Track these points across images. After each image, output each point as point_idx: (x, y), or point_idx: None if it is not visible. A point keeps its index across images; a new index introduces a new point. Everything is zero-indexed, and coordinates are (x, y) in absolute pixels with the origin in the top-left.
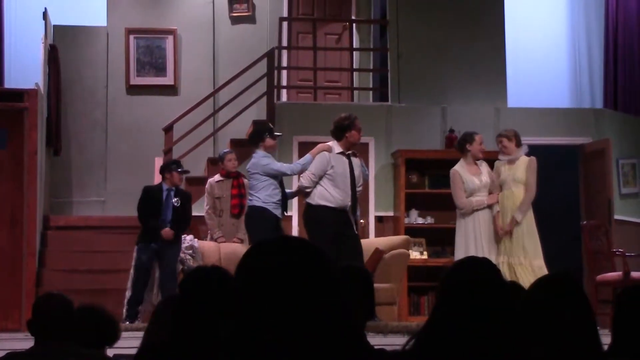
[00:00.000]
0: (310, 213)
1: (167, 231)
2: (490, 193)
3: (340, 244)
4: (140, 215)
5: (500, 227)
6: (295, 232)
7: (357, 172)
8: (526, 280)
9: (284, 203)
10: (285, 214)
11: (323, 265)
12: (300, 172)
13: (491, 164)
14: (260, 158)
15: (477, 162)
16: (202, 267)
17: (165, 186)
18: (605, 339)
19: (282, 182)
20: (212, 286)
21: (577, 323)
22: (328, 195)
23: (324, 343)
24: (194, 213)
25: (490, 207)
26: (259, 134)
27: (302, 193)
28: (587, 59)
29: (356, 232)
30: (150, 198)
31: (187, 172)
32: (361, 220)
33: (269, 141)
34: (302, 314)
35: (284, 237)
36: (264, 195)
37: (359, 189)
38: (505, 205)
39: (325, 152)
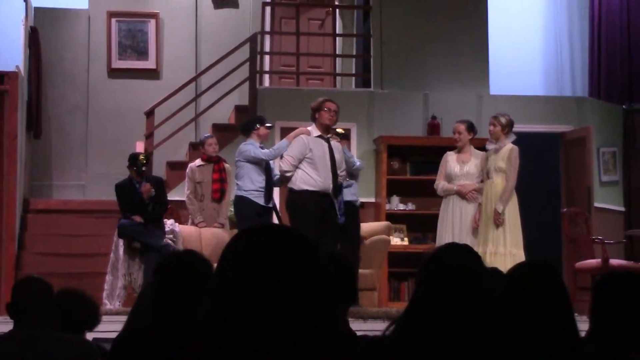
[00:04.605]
0: (294, 198)
1: (137, 218)
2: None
3: (323, 229)
4: (125, 213)
5: (475, 220)
6: (275, 219)
7: (337, 156)
8: (506, 269)
9: (268, 190)
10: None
11: (307, 253)
12: (275, 157)
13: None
14: (242, 146)
15: (475, 151)
16: (176, 252)
17: (134, 179)
18: (584, 325)
19: (269, 169)
20: (185, 271)
21: (554, 309)
22: (309, 179)
23: (306, 330)
24: (175, 197)
25: (465, 197)
26: (250, 124)
27: (284, 178)
28: (569, 46)
29: (340, 216)
30: (126, 194)
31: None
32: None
33: (263, 130)
34: (285, 300)
35: (270, 224)
36: (245, 183)
37: (342, 173)
38: (486, 194)
39: (302, 136)
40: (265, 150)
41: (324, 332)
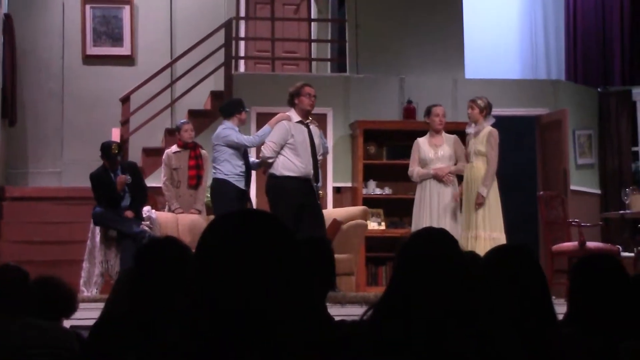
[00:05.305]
0: (275, 184)
1: (129, 213)
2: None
3: (303, 214)
4: (102, 203)
5: (455, 197)
6: (253, 203)
7: (317, 141)
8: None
9: (247, 175)
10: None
11: (285, 238)
12: (259, 144)
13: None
14: (222, 130)
15: (445, 135)
16: (155, 238)
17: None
18: (561, 308)
19: (247, 153)
20: (166, 257)
21: (531, 292)
22: (291, 165)
23: (284, 315)
24: (152, 184)
25: (442, 180)
26: (233, 108)
27: (265, 164)
28: (544, 29)
29: (318, 202)
30: (102, 186)
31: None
32: (320, 192)
33: (244, 114)
34: (263, 285)
35: (247, 210)
36: (226, 167)
37: (319, 157)
38: (467, 177)
39: (284, 122)
40: (249, 137)
41: (304, 317)
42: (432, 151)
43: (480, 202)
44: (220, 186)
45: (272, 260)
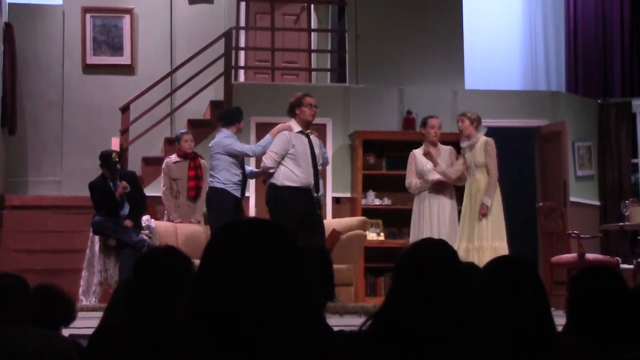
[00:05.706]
0: (276, 194)
1: (128, 222)
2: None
3: (303, 224)
4: (101, 212)
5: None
6: (252, 212)
7: (317, 151)
8: None
9: (244, 184)
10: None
11: (290, 247)
12: (261, 154)
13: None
14: (223, 138)
15: (441, 146)
16: (155, 247)
17: (108, 178)
18: (560, 320)
19: (243, 162)
20: (165, 266)
21: (530, 304)
22: (292, 175)
23: (286, 324)
24: (151, 193)
25: (443, 191)
26: (234, 116)
27: (266, 174)
28: (544, 41)
29: (318, 212)
30: (101, 195)
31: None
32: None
33: (243, 123)
34: (266, 294)
35: (253, 219)
36: (224, 176)
37: (319, 167)
38: (470, 190)
39: (285, 132)
40: (251, 146)
41: (306, 326)
42: (428, 162)
43: (484, 213)
44: (217, 195)
45: (279, 269)
